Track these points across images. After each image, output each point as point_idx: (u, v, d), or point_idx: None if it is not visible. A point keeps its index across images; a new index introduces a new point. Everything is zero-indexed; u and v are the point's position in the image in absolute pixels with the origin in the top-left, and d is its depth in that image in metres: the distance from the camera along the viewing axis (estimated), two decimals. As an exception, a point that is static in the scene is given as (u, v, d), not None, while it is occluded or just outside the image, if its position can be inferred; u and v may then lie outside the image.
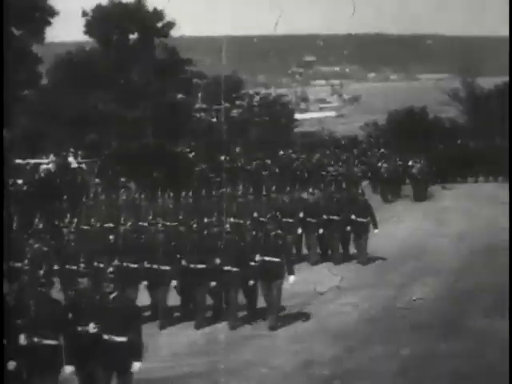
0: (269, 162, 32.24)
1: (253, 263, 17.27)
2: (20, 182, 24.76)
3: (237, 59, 33.18)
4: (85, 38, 30.41)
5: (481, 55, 32.30)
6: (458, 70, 33.37)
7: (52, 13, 28.77)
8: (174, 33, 30.63)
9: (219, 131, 31.75)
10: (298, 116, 36.19)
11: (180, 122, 30.44)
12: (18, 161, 26.59)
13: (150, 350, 13.92)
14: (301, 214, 22.97)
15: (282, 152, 33.93)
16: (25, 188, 24.29)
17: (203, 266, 18.00)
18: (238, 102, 34.30)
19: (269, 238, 17.62)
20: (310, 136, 36.08)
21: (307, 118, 36.65)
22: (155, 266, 18.17)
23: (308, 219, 22.85)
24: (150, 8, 30.48)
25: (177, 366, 14.81)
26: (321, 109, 37.11)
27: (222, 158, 31.41)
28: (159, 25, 30.54)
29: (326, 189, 25.43)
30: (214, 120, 32.93)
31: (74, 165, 26.35)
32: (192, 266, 18.05)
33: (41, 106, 28.97)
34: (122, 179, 27.16)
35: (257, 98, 34.95)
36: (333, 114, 37.06)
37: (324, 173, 32.36)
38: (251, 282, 17.88)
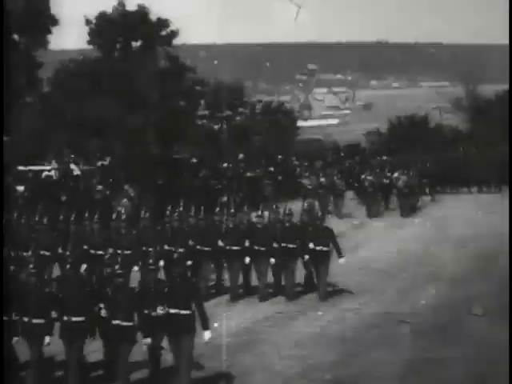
0: (272, 169, 32.23)
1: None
2: (21, 188, 24.81)
3: (240, 67, 33.30)
4: (88, 46, 30.52)
5: (482, 63, 32.38)
6: (459, 77, 33.44)
7: (54, 21, 28.86)
8: (177, 41, 30.73)
9: (221, 138, 31.83)
10: (300, 123, 36.25)
11: (182, 129, 30.48)
12: (20, 167, 26.65)
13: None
14: (246, 243, 19.49)
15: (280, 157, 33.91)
16: (26, 194, 24.35)
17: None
18: (240, 109, 34.38)
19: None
20: (313, 143, 36.13)
21: (310, 125, 36.71)
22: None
23: (256, 247, 19.36)
24: (153, 17, 30.59)
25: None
26: (327, 116, 37.18)
27: (225, 165, 31.45)
28: (162, 33, 30.64)
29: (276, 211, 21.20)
30: (217, 127, 33.00)
31: (77, 172, 26.41)
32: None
33: (43, 113, 29.05)
34: (126, 186, 27.20)
35: (259, 105, 35.03)
36: (336, 121, 37.14)
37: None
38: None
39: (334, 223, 23.31)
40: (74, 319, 13.45)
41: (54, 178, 25.49)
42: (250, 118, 34.61)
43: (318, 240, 18.94)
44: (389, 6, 32.26)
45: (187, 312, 13.26)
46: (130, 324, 13.38)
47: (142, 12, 30.36)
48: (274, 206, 20.86)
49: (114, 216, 20.97)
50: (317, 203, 27.77)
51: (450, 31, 32.05)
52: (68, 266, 14.42)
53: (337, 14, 33.19)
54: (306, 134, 36.11)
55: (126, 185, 27.04)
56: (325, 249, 18.92)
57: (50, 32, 29.15)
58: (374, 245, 24.22)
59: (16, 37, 28.53)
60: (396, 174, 30.24)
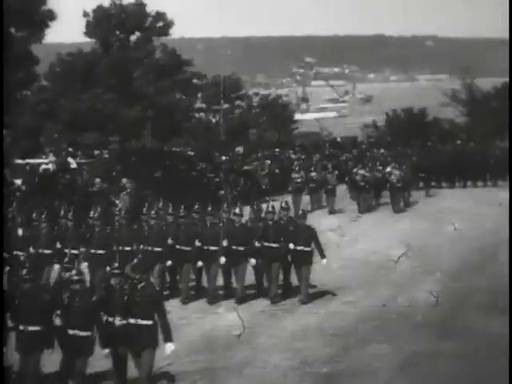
0: (268, 162, 32.17)
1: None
2: (19, 182, 24.79)
3: (236, 60, 33.26)
4: (85, 39, 30.48)
5: (480, 57, 32.35)
6: (457, 71, 33.41)
7: (51, 16, 28.77)
8: (174, 33, 30.68)
9: (218, 131, 31.79)
10: (298, 117, 36.21)
11: (179, 123, 30.46)
12: (18, 161, 26.63)
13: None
14: (225, 243, 18.71)
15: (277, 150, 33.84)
16: (24, 188, 24.34)
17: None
18: (237, 103, 34.35)
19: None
20: (310, 136, 36.10)
21: (307, 118, 36.67)
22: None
23: (234, 247, 18.63)
24: (150, 9, 30.55)
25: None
26: (325, 109, 37.14)
27: (223, 158, 31.43)
28: (159, 26, 30.58)
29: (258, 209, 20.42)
30: (214, 120, 32.97)
31: (74, 165, 26.38)
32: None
33: (40, 107, 29.01)
34: (124, 180, 27.21)
35: (256, 98, 35.00)
36: (333, 114, 37.10)
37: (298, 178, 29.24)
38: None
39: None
40: (30, 329, 12.66)
41: (51, 170, 25.47)
42: (247, 112, 34.59)
43: (299, 240, 18.12)
44: (386, -1, 32.25)
45: (148, 323, 12.36)
46: (88, 334, 12.59)
47: (140, 5, 30.31)
48: (255, 204, 20.33)
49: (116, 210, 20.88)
50: (295, 200, 27.41)
51: (448, 24, 32.03)
52: (25, 271, 13.41)
53: (334, 7, 33.13)
54: (304, 127, 36.08)
55: (123, 178, 27.05)
56: (306, 249, 18.11)
57: (47, 26, 29.08)
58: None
59: (13, 31, 28.44)
60: (389, 169, 29.32)
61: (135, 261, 14.13)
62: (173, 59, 30.75)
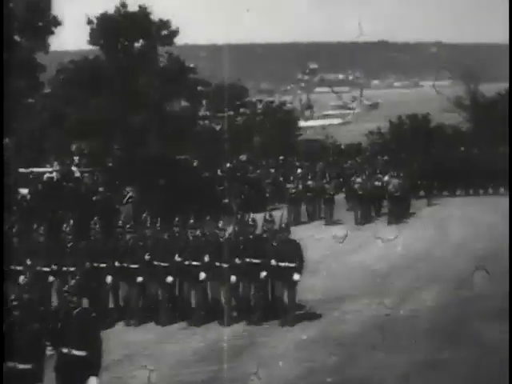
0: (272, 170, 32.13)
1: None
2: (24, 191, 24.76)
3: (241, 67, 33.24)
4: (89, 47, 30.52)
5: (485, 62, 32.30)
6: (461, 77, 33.36)
7: (56, 23, 28.82)
8: (178, 41, 30.70)
9: (222, 139, 31.78)
10: (302, 123, 36.19)
11: (184, 130, 30.45)
12: (22, 169, 26.63)
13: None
14: (206, 258, 17.67)
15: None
16: (28, 197, 24.31)
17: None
18: (241, 110, 34.35)
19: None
20: (314, 144, 36.06)
21: (312, 125, 36.65)
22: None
23: (216, 263, 17.57)
24: (155, 17, 30.58)
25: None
26: (329, 116, 37.10)
27: (227, 165, 31.42)
28: (164, 33, 30.61)
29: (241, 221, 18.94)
30: (218, 128, 32.96)
31: (77, 174, 26.38)
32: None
33: (44, 114, 29.03)
34: (128, 188, 27.21)
35: (260, 105, 35.00)
36: (338, 121, 37.06)
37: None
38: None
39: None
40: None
41: (55, 179, 25.48)
42: (252, 119, 34.58)
43: (282, 255, 16.93)
44: (389, 4, 32.20)
45: (81, 353, 11.14)
46: (28, 367, 11.01)
47: (144, 12, 30.33)
48: (239, 216, 18.82)
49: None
50: (291, 211, 26.84)
51: (452, 30, 31.97)
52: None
53: (338, 14, 33.10)
54: (308, 134, 36.05)
55: (127, 187, 27.05)
56: (291, 265, 16.84)
57: (52, 33, 29.11)
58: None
59: (17, 38, 28.48)
60: (386, 177, 28.22)
61: (71, 282, 12.51)
62: (177, 66, 30.76)
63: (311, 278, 18.95)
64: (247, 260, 17.45)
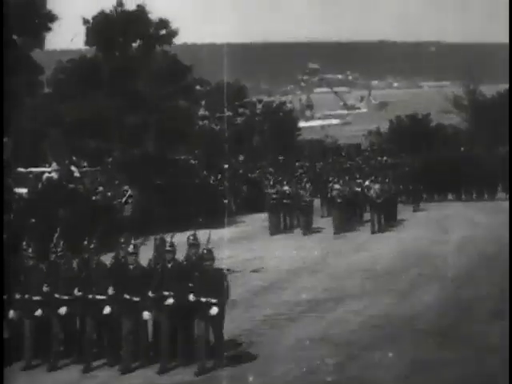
0: (271, 169, 32.07)
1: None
2: (23, 191, 24.73)
3: (240, 67, 33.19)
4: (87, 46, 30.48)
5: (484, 62, 32.28)
6: (461, 77, 33.34)
7: (51, 18, 28.69)
8: (176, 40, 30.67)
9: (222, 139, 31.75)
10: (302, 124, 36.19)
11: (182, 130, 30.41)
12: (21, 169, 26.61)
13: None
14: (110, 290, 14.61)
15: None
16: (27, 197, 24.28)
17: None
18: (240, 110, 34.34)
19: None
20: (313, 144, 36.06)
21: (312, 125, 36.64)
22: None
23: (126, 296, 14.54)
24: (153, 16, 30.55)
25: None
26: (329, 116, 37.10)
27: (226, 166, 31.40)
28: (162, 32, 30.58)
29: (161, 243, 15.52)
30: (217, 128, 32.94)
31: (77, 174, 26.34)
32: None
33: (42, 114, 28.99)
34: (125, 187, 27.19)
35: (259, 105, 35.01)
36: (337, 121, 37.05)
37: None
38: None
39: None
40: None
41: (54, 179, 25.44)
42: (251, 119, 34.57)
43: (203, 289, 14.06)
44: (390, 5, 32.20)
45: None
46: None
47: (141, 12, 30.29)
48: (159, 237, 15.59)
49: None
50: (272, 219, 25.56)
51: (451, 30, 31.95)
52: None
53: (338, 14, 33.07)
54: (309, 135, 36.04)
55: (125, 186, 27.04)
56: (213, 301, 13.96)
57: (49, 29, 28.98)
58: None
59: (15, 37, 28.42)
60: (367, 182, 26.29)
61: None
62: (175, 66, 30.73)
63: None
64: (165, 293, 14.48)
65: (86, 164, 28.27)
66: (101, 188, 26.88)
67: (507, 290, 15.68)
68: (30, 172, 26.95)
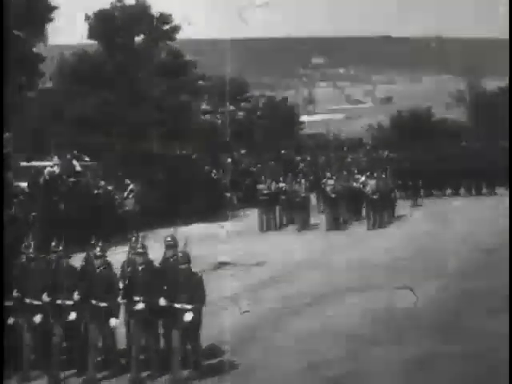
0: (272, 163, 32.05)
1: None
2: (24, 184, 24.73)
3: (242, 62, 33.25)
4: (90, 41, 30.51)
5: (486, 57, 32.29)
6: (462, 71, 33.36)
7: (51, 8, 28.59)
8: (179, 36, 30.69)
9: (224, 133, 31.77)
10: (304, 118, 36.23)
11: (185, 124, 30.39)
12: (23, 163, 26.61)
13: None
14: (75, 296, 13.50)
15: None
16: (28, 191, 24.30)
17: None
18: (243, 105, 34.37)
19: None
20: (316, 138, 36.12)
21: (314, 120, 36.68)
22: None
23: (93, 302, 13.49)
24: (156, 11, 30.58)
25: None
26: (332, 111, 37.15)
27: (228, 160, 31.42)
28: (165, 28, 30.60)
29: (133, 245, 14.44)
30: (219, 122, 32.97)
31: (78, 168, 26.35)
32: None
33: (44, 108, 29.00)
34: (127, 181, 27.20)
35: (262, 100, 35.04)
36: (341, 116, 37.11)
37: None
38: None
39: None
40: None
41: (56, 173, 25.45)
42: (253, 113, 34.62)
43: (177, 293, 13.11)
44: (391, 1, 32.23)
45: None
46: None
47: (143, 6, 30.30)
48: (133, 237, 14.65)
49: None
50: (262, 216, 25.09)
51: (452, 25, 31.98)
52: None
53: (340, 10, 33.08)
54: (311, 129, 36.10)
55: (128, 180, 27.06)
56: (188, 307, 12.99)
57: (50, 20, 28.92)
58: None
59: (16, 32, 28.41)
60: (363, 178, 25.64)
61: None
62: (178, 61, 30.74)
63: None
64: (135, 298, 13.51)
65: (87, 158, 28.26)
66: (102, 182, 26.88)
67: (507, 285, 15.70)
68: (32, 166, 26.95)
